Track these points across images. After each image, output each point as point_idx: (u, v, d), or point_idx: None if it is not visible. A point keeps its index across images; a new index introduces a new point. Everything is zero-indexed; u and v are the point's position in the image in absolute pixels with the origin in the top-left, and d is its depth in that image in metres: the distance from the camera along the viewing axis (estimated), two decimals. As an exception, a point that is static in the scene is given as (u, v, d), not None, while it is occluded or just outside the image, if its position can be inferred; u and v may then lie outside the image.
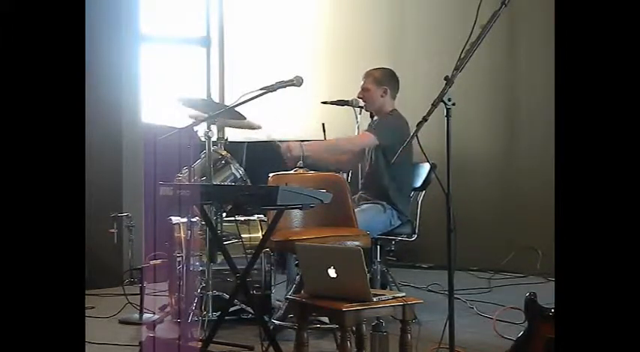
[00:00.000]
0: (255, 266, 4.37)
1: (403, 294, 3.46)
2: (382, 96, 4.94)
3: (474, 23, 3.17)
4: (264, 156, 5.73)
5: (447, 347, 3.29)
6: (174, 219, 4.74)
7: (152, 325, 4.54)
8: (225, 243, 4.39)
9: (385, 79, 4.97)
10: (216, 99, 7.15)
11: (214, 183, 4.51)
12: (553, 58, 2.48)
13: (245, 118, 4.77)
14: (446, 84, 3.17)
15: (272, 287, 4.74)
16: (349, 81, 5.22)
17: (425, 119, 3.17)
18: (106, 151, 5.84)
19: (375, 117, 5.04)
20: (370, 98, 4.94)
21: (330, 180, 4.46)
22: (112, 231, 5.19)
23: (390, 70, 5.05)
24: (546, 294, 3.21)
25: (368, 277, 3.36)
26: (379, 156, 4.84)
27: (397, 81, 5.01)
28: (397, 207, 4.86)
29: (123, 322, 4.75)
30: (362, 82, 4.98)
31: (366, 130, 4.92)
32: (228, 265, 4.04)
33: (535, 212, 6.15)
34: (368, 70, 5.03)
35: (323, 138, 5.26)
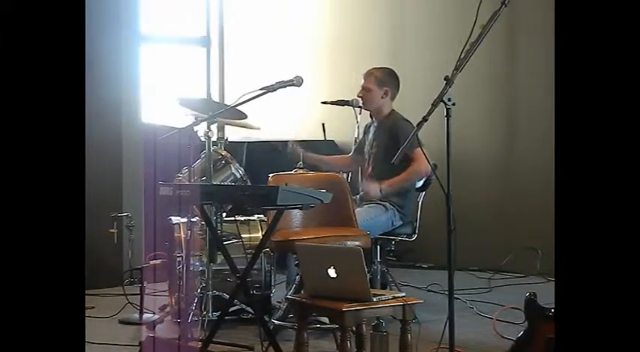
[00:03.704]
0: (255, 266, 4.37)
1: (403, 294, 3.46)
2: (382, 98, 4.93)
3: (474, 23, 3.17)
4: (264, 156, 5.74)
5: (447, 347, 3.29)
6: (174, 219, 4.73)
7: (152, 325, 4.54)
8: (225, 243, 4.38)
9: (387, 80, 4.95)
10: (216, 99, 7.14)
11: (214, 183, 4.51)
12: (553, 58, 2.48)
13: (246, 116, 4.77)
14: (446, 84, 3.17)
15: (272, 287, 4.74)
16: (349, 81, 5.23)
17: (425, 119, 3.17)
18: (106, 151, 5.84)
19: (374, 119, 5.03)
20: (371, 98, 4.93)
21: (330, 180, 4.46)
22: (112, 231, 5.19)
23: (392, 70, 5.04)
24: (546, 294, 3.21)
25: (368, 277, 3.36)
26: (383, 157, 4.83)
27: (398, 81, 5.00)
28: (400, 207, 4.86)
29: (123, 322, 4.75)
30: (362, 81, 4.97)
31: (412, 148, 4.46)
32: (228, 265, 4.04)
33: (535, 212, 6.14)
34: (369, 69, 5.01)
35: (323, 138, 5.26)
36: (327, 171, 4.90)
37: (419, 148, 4.49)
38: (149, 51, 7.09)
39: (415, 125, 3.27)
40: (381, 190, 4.75)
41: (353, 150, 5.16)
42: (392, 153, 4.55)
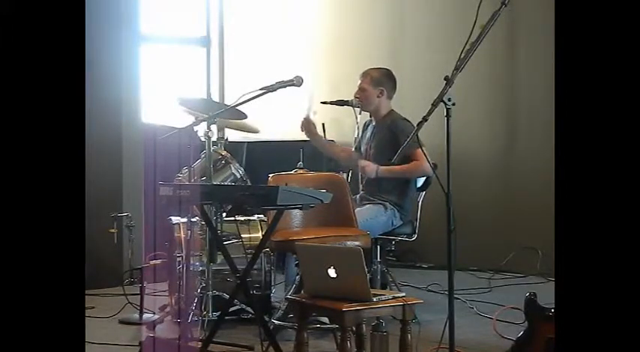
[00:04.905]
0: (255, 266, 4.37)
1: (403, 294, 3.46)
2: (378, 97, 4.93)
3: (474, 23, 3.17)
4: (264, 156, 5.74)
5: (447, 347, 3.29)
6: (174, 219, 4.73)
7: (152, 325, 4.54)
8: (225, 243, 4.38)
9: (383, 80, 4.95)
10: (216, 99, 7.14)
11: (214, 183, 4.51)
12: (553, 58, 2.48)
13: (246, 117, 4.77)
14: (446, 84, 3.17)
15: (272, 287, 4.74)
16: (349, 81, 5.22)
17: (425, 119, 3.17)
18: (106, 151, 5.84)
19: (372, 118, 5.03)
20: (366, 98, 4.93)
21: (330, 180, 4.46)
22: (112, 231, 5.19)
23: (388, 70, 5.04)
24: (546, 294, 3.21)
25: (368, 277, 3.36)
26: (381, 157, 4.83)
27: (394, 81, 5.00)
28: (400, 207, 4.86)
29: (123, 322, 4.75)
30: (359, 82, 4.97)
31: (412, 148, 4.54)
32: (228, 265, 4.04)
33: (535, 212, 6.14)
34: (366, 69, 5.02)
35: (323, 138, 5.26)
36: (328, 170, 4.91)
37: (419, 148, 4.51)
38: (149, 51, 7.10)
39: (415, 125, 3.27)
40: (377, 172, 4.76)
41: (354, 148, 5.17)
42: (390, 153, 4.60)
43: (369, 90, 4.93)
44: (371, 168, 4.80)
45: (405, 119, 4.87)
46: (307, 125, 4.99)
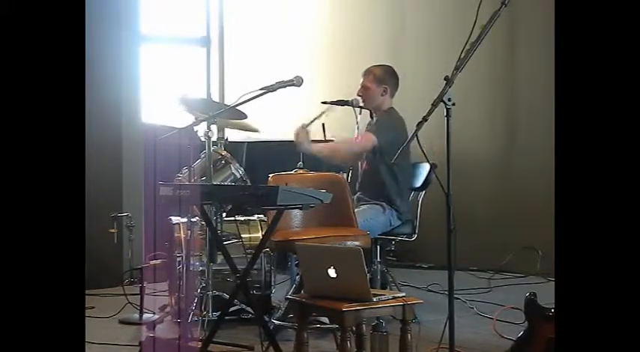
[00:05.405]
0: (255, 266, 4.37)
1: (403, 294, 3.46)
2: (382, 95, 4.94)
3: (474, 23, 3.17)
4: (264, 156, 5.74)
5: (447, 347, 3.29)
6: (174, 219, 4.74)
7: (152, 325, 4.54)
8: (225, 243, 4.38)
9: (386, 77, 4.95)
10: (216, 99, 7.14)
11: (214, 183, 4.51)
12: (553, 58, 2.48)
13: (246, 117, 4.77)
14: (446, 84, 3.17)
15: (272, 287, 4.74)
16: (349, 81, 5.22)
17: (425, 119, 3.17)
18: (106, 151, 5.84)
19: (374, 116, 5.03)
20: (370, 96, 4.93)
21: (330, 180, 4.46)
22: (112, 231, 5.19)
23: (390, 67, 5.04)
24: (546, 294, 3.21)
25: (368, 277, 3.36)
26: (377, 156, 4.83)
27: (397, 79, 5.00)
28: (397, 207, 4.86)
29: (123, 322, 4.75)
30: (362, 80, 4.97)
31: (366, 130, 4.91)
32: (228, 265, 4.04)
33: (535, 212, 6.14)
34: (368, 67, 5.02)
35: (323, 138, 5.26)
36: (328, 171, 4.92)
37: (370, 134, 4.76)
38: (149, 51, 7.10)
39: (415, 126, 3.27)
40: (314, 150, 4.77)
41: None
42: (386, 152, 4.64)
43: (373, 89, 4.92)
44: (307, 144, 4.73)
45: (398, 115, 4.87)
46: (300, 133, 4.94)
